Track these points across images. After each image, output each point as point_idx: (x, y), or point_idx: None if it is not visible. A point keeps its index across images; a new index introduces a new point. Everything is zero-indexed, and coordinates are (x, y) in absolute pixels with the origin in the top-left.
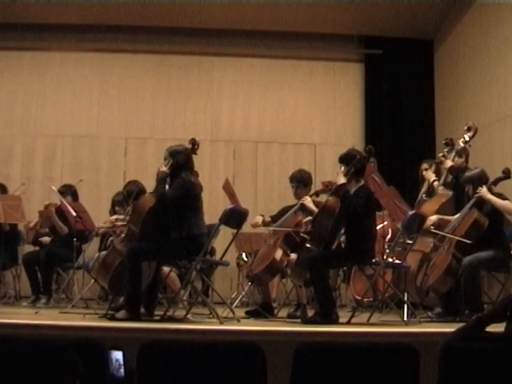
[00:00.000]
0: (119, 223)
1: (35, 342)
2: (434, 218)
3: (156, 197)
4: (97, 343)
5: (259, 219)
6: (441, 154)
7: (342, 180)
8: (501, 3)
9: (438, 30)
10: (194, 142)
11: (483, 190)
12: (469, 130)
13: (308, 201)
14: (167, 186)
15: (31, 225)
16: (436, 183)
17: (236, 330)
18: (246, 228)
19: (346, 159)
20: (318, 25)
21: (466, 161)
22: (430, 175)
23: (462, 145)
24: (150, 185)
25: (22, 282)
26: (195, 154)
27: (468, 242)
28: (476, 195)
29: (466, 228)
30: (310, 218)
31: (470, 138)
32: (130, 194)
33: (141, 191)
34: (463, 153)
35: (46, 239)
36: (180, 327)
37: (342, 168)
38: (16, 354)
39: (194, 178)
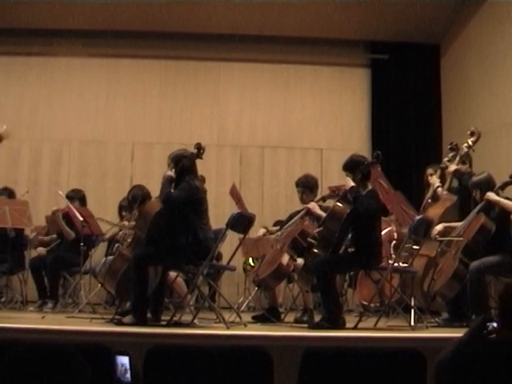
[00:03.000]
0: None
1: (43, 345)
2: (439, 227)
3: (161, 198)
4: (103, 348)
5: (261, 232)
6: (446, 159)
7: (351, 183)
8: (509, 8)
9: (445, 35)
10: (199, 147)
11: (490, 194)
12: (472, 134)
13: (313, 205)
14: (172, 190)
15: (32, 235)
16: (440, 189)
17: (243, 334)
18: (253, 233)
19: (350, 166)
20: (325, 30)
21: (470, 166)
22: (435, 180)
23: (466, 150)
24: (156, 189)
25: (29, 286)
26: (201, 158)
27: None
28: (484, 198)
29: (473, 233)
30: (319, 229)
31: (474, 142)
32: (135, 198)
33: (146, 196)
34: (466, 159)
35: (41, 250)
36: (187, 332)
37: (351, 174)
38: (24, 358)
39: (198, 182)
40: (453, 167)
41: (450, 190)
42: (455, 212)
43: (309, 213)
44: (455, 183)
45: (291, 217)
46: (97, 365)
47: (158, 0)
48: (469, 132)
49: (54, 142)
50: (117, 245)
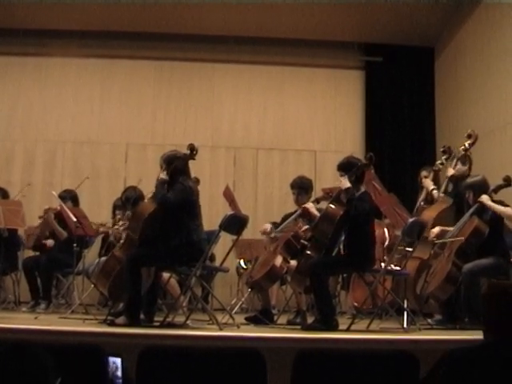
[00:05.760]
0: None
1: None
2: (436, 229)
3: (157, 201)
4: (95, 349)
5: (268, 227)
6: (438, 162)
7: (347, 184)
8: (503, 11)
9: (439, 38)
10: (192, 148)
11: (484, 197)
12: (469, 137)
13: (310, 206)
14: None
15: (35, 225)
16: (435, 192)
17: (236, 336)
18: (246, 234)
19: (345, 167)
20: (319, 32)
21: (470, 168)
22: (429, 183)
23: (463, 152)
24: (150, 190)
25: (22, 287)
26: (193, 159)
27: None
28: (478, 200)
29: (467, 235)
30: (307, 226)
31: (470, 145)
32: (128, 199)
33: (139, 197)
34: (466, 160)
35: (51, 242)
36: (180, 333)
37: (345, 175)
38: None
39: (191, 182)
40: (450, 171)
41: (445, 193)
42: (451, 215)
43: (305, 213)
44: (450, 187)
45: (285, 219)
46: (89, 366)
47: (152, 1)
48: (466, 134)
49: (47, 142)
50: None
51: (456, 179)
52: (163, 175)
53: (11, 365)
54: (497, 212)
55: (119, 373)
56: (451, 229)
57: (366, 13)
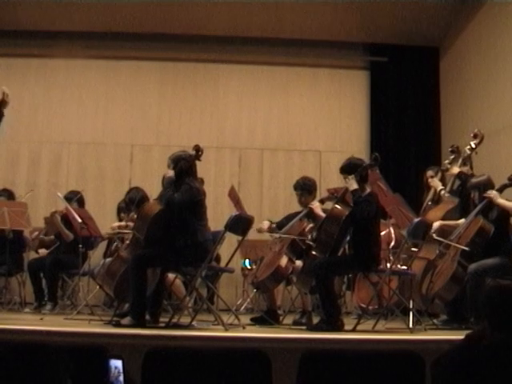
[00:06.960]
0: (123, 230)
1: (19, 345)
2: (435, 224)
3: (164, 202)
4: (98, 351)
5: (266, 224)
6: (447, 162)
7: (354, 186)
8: (508, 10)
9: (444, 38)
10: (197, 149)
11: (494, 193)
12: (475, 137)
13: (316, 205)
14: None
15: (34, 235)
16: (443, 192)
17: (241, 336)
18: (252, 235)
19: (348, 169)
20: (324, 32)
21: (471, 168)
22: (437, 183)
23: (469, 152)
24: (156, 191)
25: (27, 288)
26: (199, 160)
27: (467, 249)
28: (485, 195)
29: (472, 235)
30: (312, 225)
31: (476, 145)
32: (132, 200)
33: (143, 198)
34: (468, 161)
35: (43, 251)
36: (185, 334)
37: (351, 176)
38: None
39: (198, 183)
40: (456, 169)
41: (451, 192)
42: (456, 215)
43: (311, 213)
44: (456, 185)
45: (289, 218)
46: (90, 368)
47: (157, 1)
48: (472, 134)
49: (52, 143)
50: (115, 244)
51: (465, 176)
52: (171, 174)
53: (21, 365)
54: (506, 208)
55: (121, 375)
56: (453, 223)
57: (371, 13)
